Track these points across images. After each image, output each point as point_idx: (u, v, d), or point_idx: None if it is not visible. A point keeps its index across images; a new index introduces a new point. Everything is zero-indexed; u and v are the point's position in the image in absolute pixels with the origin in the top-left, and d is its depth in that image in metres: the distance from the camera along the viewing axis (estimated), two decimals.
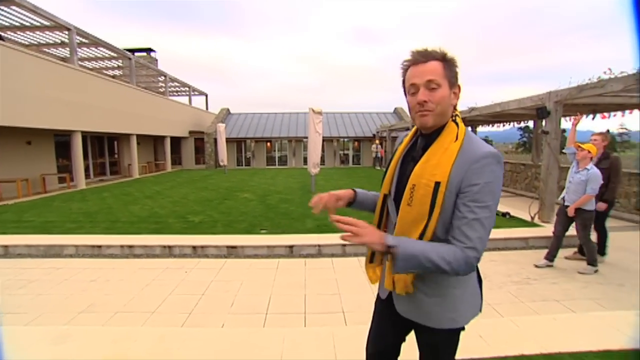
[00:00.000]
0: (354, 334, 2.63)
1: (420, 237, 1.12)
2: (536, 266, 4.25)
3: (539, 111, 6.25)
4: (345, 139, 24.82)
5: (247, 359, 2.31)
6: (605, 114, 7.31)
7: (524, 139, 59.64)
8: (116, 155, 18.04)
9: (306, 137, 10.59)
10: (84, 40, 13.73)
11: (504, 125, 12.49)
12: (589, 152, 3.92)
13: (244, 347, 2.46)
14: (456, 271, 1.04)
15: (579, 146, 4.01)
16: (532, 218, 6.07)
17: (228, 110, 26.90)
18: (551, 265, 4.23)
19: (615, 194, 4.24)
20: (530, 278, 3.96)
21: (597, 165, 4.22)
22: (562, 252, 4.77)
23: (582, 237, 4.03)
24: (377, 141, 22.07)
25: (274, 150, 24.97)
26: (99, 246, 5.08)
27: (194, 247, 4.99)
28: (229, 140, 21.86)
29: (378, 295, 1.44)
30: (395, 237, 1.09)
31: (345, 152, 25.21)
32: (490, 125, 12.81)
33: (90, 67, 18.00)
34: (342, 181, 13.65)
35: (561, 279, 3.93)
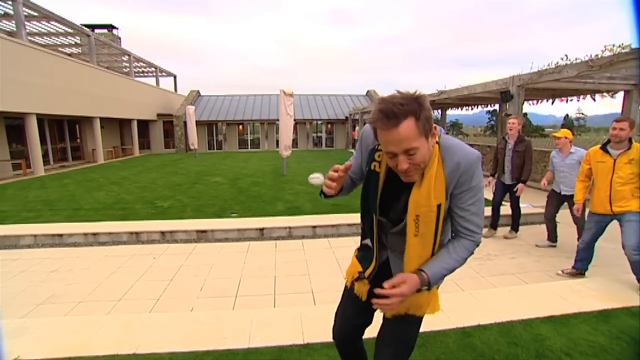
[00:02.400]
0: (322, 313, 2.70)
1: (433, 253, 1.17)
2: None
3: (503, 95, 6.48)
4: (318, 122, 24.70)
5: (215, 341, 2.32)
6: (563, 98, 7.69)
7: (492, 122, 61.76)
8: (78, 140, 17.06)
9: (279, 120, 10.48)
10: (32, 12, 12.62)
11: (472, 109, 12.87)
12: (566, 137, 4.10)
13: (212, 329, 2.47)
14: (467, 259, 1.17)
15: (554, 136, 4.20)
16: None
17: (198, 92, 25.96)
18: (554, 245, 4.41)
19: (530, 174, 4.56)
20: (491, 254, 4.19)
21: (514, 149, 4.56)
22: (527, 229, 5.08)
23: (577, 217, 4.03)
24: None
25: (246, 133, 24.51)
26: (60, 235, 4.84)
27: (163, 233, 4.88)
28: (199, 123, 21.22)
29: (347, 286, 1.46)
30: (424, 274, 1.11)
31: (318, 134, 25.15)
32: (460, 109, 13.15)
33: (43, 43, 16.64)
34: (314, 164, 13.67)
35: (518, 254, 4.19)
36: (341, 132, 24.69)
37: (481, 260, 3.98)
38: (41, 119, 13.10)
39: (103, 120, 16.70)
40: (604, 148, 3.15)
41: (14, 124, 12.25)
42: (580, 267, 3.45)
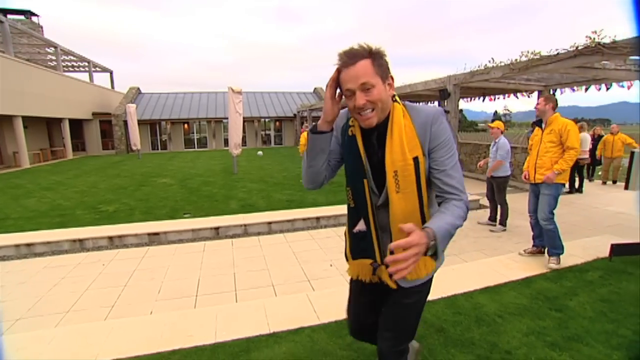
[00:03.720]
0: (284, 303, 2.82)
1: (422, 212, 1.19)
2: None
3: (442, 92, 7.05)
4: (267, 119, 24.52)
5: (181, 339, 2.32)
6: (492, 97, 8.57)
7: None
8: None
9: (226, 118, 10.28)
10: None
11: None
12: (497, 128, 4.81)
13: (176, 328, 2.45)
14: (464, 218, 1.13)
15: (490, 126, 4.91)
16: None
17: (138, 89, 24.34)
18: (493, 224, 4.97)
19: None
20: None
21: None
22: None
23: (499, 198, 4.83)
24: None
25: (193, 132, 23.54)
26: None
27: (111, 238, 4.61)
28: (141, 122, 19.91)
29: (352, 279, 1.46)
30: (428, 229, 1.00)
31: (267, 132, 24.97)
32: None
33: None
34: (264, 161, 13.63)
35: (458, 238, 4.61)
36: (290, 129, 24.74)
37: None
38: None
39: (26, 119, 14.93)
40: (538, 124, 3.56)
41: None
42: (539, 244, 3.68)
